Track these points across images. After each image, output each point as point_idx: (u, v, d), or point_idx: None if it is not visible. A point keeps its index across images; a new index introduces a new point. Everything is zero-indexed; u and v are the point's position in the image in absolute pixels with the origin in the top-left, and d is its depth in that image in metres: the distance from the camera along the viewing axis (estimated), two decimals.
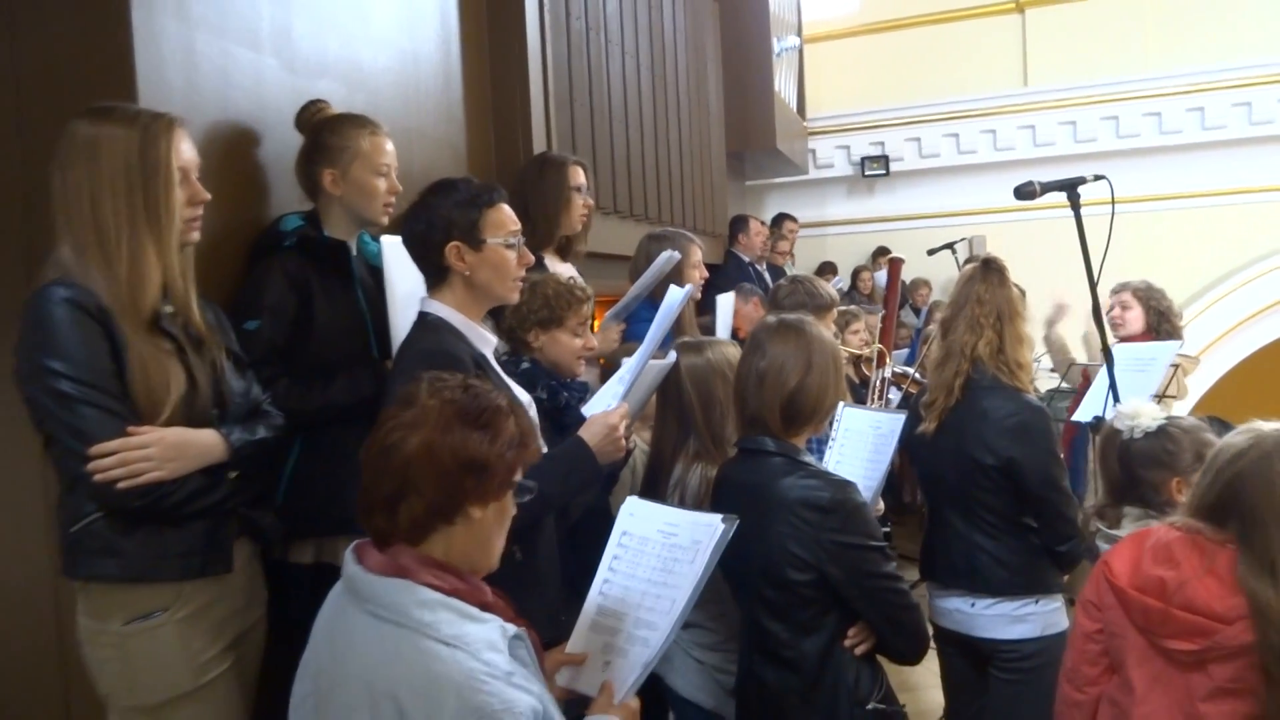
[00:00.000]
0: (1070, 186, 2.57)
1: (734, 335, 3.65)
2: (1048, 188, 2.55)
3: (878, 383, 3.37)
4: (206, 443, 1.72)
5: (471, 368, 1.79)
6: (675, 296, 2.13)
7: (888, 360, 3.40)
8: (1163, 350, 3.17)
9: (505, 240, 1.90)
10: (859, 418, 2.58)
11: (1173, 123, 7.73)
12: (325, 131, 2.23)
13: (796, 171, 8.20)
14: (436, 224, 1.87)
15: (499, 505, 1.34)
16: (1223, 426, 3.06)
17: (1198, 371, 7.07)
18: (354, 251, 2.29)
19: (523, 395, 2.00)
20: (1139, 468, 2.06)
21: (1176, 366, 3.24)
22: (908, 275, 8.06)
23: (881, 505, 2.77)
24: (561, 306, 2.31)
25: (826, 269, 8.46)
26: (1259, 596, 1.55)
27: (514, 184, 3.04)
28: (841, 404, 2.68)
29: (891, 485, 3.26)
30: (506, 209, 1.94)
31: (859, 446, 2.53)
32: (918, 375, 4.37)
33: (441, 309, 1.89)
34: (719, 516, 1.61)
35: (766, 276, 6.25)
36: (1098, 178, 2.62)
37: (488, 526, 1.33)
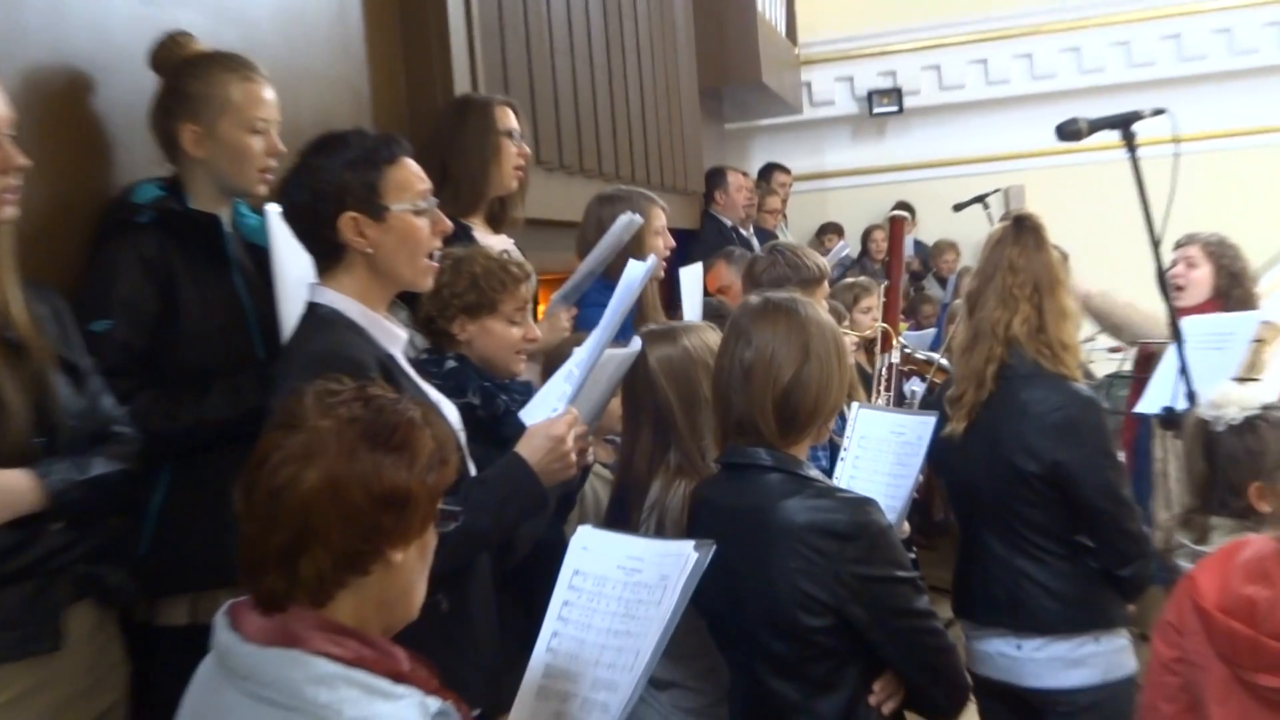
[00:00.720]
0: (1124, 124, 2.59)
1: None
2: (1096, 126, 2.57)
3: (883, 370, 3.37)
4: (12, 488, 1.67)
5: (377, 374, 1.77)
6: (636, 271, 2.13)
7: (894, 342, 3.41)
8: (1242, 322, 3.22)
9: (413, 205, 1.88)
10: (877, 421, 2.59)
11: (1247, 40, 7.86)
12: (186, 75, 2.20)
13: (788, 111, 8.22)
14: (325, 191, 1.84)
15: (421, 542, 1.33)
16: None
17: None
18: (228, 227, 2.26)
19: (444, 403, 1.99)
20: (1222, 466, 2.11)
21: (1261, 341, 3.29)
22: (930, 235, 8.14)
23: (907, 528, 2.79)
24: (493, 288, 2.30)
25: (829, 230, 8.50)
26: None
27: (429, 136, 3.01)
28: (856, 404, 2.69)
29: (917, 501, 3.25)
30: (412, 165, 1.92)
31: (878, 457, 2.54)
32: (945, 362, 4.40)
33: (336, 298, 1.87)
34: (690, 544, 1.61)
35: (754, 242, 6.27)
36: (1157, 112, 2.65)
37: (410, 571, 1.33)
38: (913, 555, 4.71)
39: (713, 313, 3.28)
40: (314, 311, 1.88)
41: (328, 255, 1.89)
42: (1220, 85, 7.98)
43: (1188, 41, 7.98)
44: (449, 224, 1.98)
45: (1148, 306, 3.81)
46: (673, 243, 3.36)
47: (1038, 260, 2.50)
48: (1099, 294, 4.11)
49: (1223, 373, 3.03)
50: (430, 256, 1.93)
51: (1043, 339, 2.47)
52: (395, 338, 1.94)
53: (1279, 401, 2.22)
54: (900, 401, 4.10)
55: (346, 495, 1.25)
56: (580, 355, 2.12)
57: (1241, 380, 3.19)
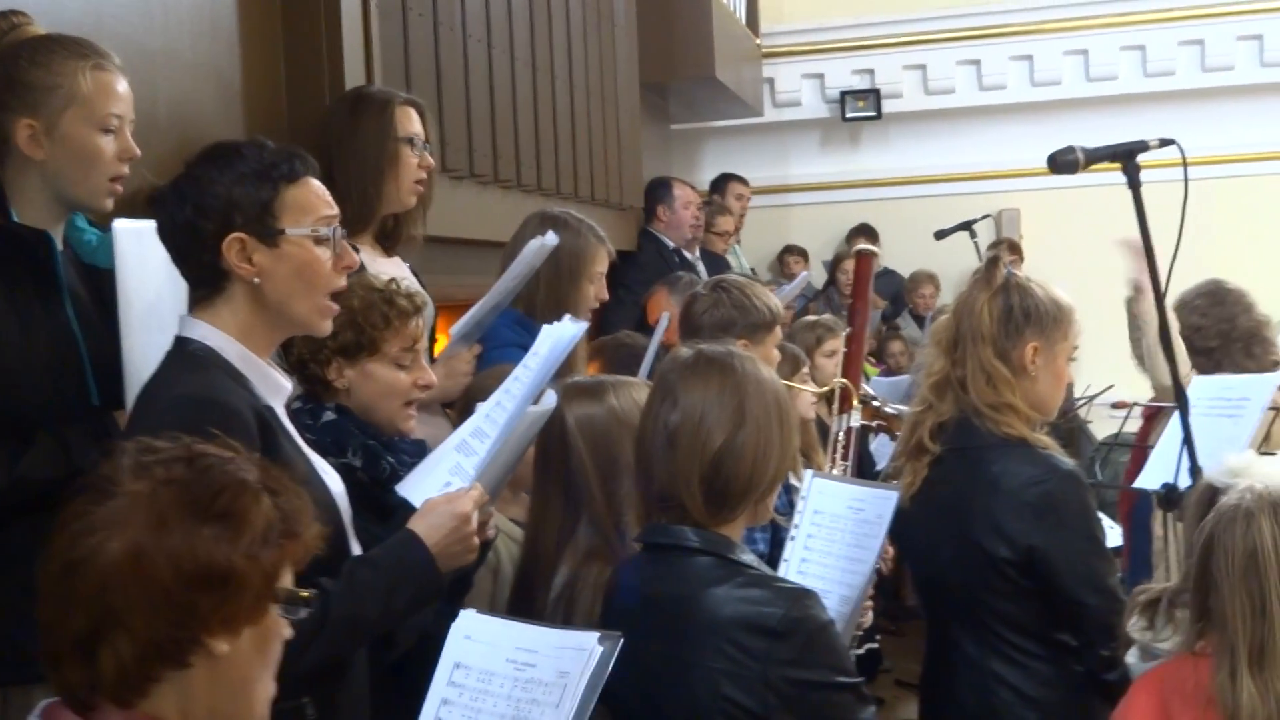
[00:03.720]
0: (1127, 155, 2.69)
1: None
2: (1094, 157, 2.67)
3: (840, 435, 3.41)
4: None
5: (253, 427, 1.79)
6: (564, 333, 2.15)
7: (854, 400, 3.43)
8: (1259, 386, 3.34)
9: (313, 231, 1.93)
10: (835, 494, 2.63)
11: (1277, 51, 8.14)
12: (23, 61, 2.20)
13: (746, 112, 8.34)
14: (210, 206, 1.88)
15: (258, 630, 1.35)
16: None
17: None
18: (59, 245, 2.26)
19: (328, 471, 2.01)
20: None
21: (1277, 410, 3.42)
22: (906, 266, 8.28)
23: (870, 616, 2.85)
24: (374, 324, 2.32)
25: (791, 254, 8.61)
26: (1225, 696, 1.76)
27: (315, 136, 3.03)
28: (809, 473, 2.74)
29: (884, 582, 3.29)
30: (317, 186, 1.98)
31: (833, 537, 2.57)
32: None
33: (211, 334, 1.90)
34: (594, 635, 1.65)
35: (700, 267, 6.34)
36: (1165, 142, 2.77)
37: (242, 663, 1.34)
38: (876, 644, 4.79)
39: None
40: (183, 348, 1.90)
41: (206, 283, 1.92)
42: (1249, 100, 8.25)
43: (1211, 48, 8.25)
44: (356, 258, 2.03)
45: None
46: (605, 296, 3.41)
47: (969, 305, 2.59)
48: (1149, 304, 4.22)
49: (1233, 445, 3.13)
50: (333, 296, 1.97)
51: (967, 400, 2.55)
52: (279, 388, 1.98)
53: None
54: (863, 469, 4.15)
55: (151, 572, 1.27)
56: (489, 415, 2.14)
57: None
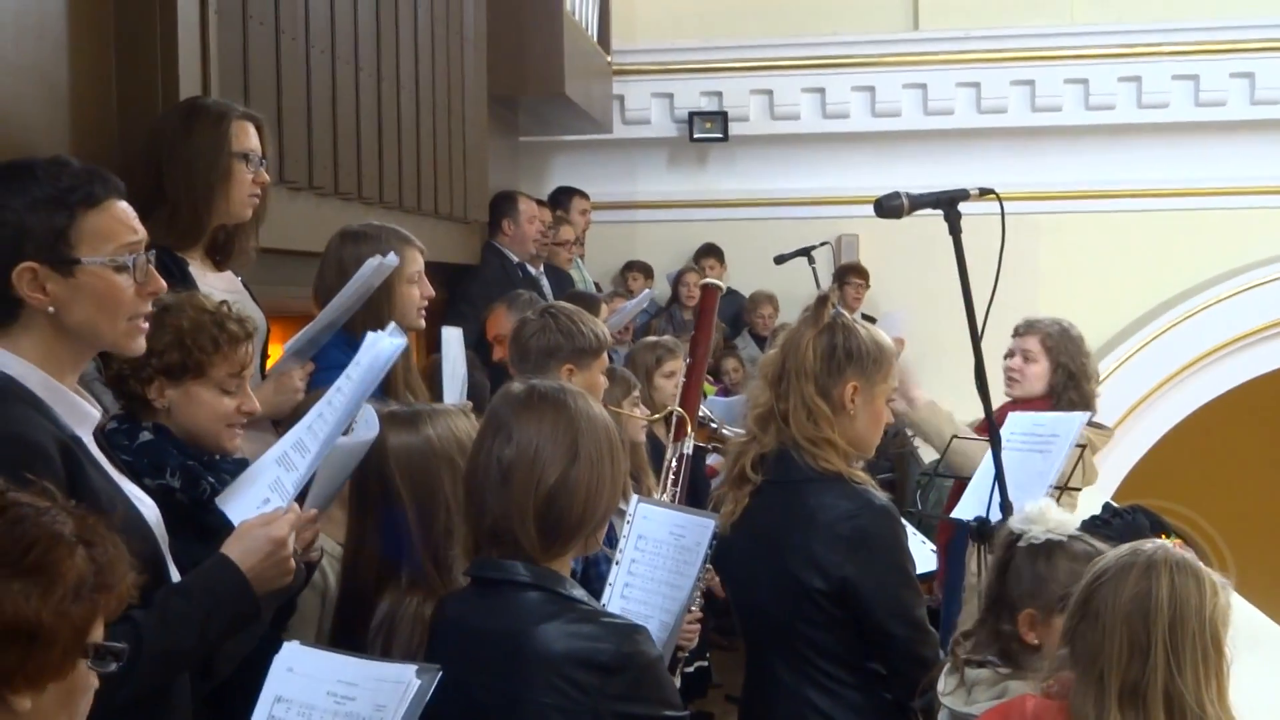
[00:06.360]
0: (948, 203, 2.81)
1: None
2: (919, 203, 2.79)
3: (673, 462, 3.46)
4: None
5: (57, 462, 1.76)
6: (384, 349, 2.14)
7: (689, 430, 3.48)
8: (1067, 424, 3.50)
9: (112, 259, 1.90)
10: (658, 519, 2.69)
11: (1103, 95, 8.55)
12: None
13: (595, 128, 8.39)
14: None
15: (64, 685, 1.33)
16: (1154, 521, 3.43)
17: (1117, 443, 7.73)
18: None
19: (143, 501, 1.98)
20: (1013, 585, 2.34)
21: (1083, 447, 3.58)
22: (747, 285, 8.43)
23: (695, 638, 2.90)
24: (202, 348, 2.27)
25: (636, 269, 8.69)
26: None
27: (144, 145, 2.97)
28: (635, 498, 2.79)
29: (714, 599, 3.37)
30: (121, 210, 1.94)
31: (656, 562, 2.63)
32: None
33: (11, 362, 1.85)
34: (411, 668, 1.67)
35: (544, 283, 6.36)
36: (985, 191, 2.89)
37: None
38: (706, 661, 4.87)
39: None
40: None
41: (1, 311, 1.87)
42: (1079, 140, 8.64)
43: (1042, 88, 8.60)
44: (163, 284, 2.01)
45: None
46: (431, 292, 3.39)
47: (795, 341, 2.66)
48: (925, 405, 4.36)
49: (1042, 480, 3.29)
50: (141, 319, 1.95)
51: (787, 433, 2.62)
52: (85, 416, 1.94)
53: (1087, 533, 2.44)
54: (698, 489, 4.20)
55: None
56: (302, 439, 2.13)
57: (1061, 490, 3.49)
